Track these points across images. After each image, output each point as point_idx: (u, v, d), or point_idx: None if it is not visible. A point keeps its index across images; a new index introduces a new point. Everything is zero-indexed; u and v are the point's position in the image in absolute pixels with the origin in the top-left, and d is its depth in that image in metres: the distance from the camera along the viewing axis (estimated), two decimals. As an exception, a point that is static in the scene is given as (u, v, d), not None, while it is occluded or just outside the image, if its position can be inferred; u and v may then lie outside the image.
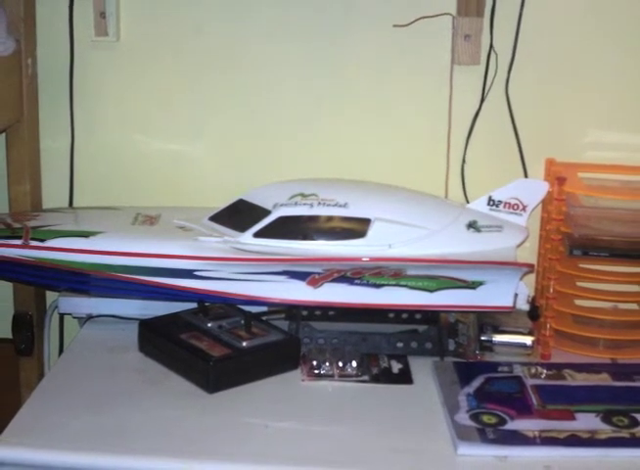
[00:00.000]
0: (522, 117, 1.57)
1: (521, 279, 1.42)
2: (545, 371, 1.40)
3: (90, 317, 1.55)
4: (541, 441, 1.22)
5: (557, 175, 1.46)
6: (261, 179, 1.49)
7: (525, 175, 1.58)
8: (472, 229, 1.42)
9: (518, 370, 1.40)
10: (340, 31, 1.58)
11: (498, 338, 1.46)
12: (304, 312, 1.48)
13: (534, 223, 1.54)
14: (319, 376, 1.38)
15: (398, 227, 1.39)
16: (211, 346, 1.37)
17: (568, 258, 1.46)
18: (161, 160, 1.65)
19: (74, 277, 1.42)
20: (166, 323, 1.44)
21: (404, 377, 1.39)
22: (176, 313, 1.46)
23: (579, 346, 1.48)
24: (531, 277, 1.53)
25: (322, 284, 1.40)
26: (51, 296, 1.64)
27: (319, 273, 1.39)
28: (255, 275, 1.39)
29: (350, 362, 1.40)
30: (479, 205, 1.46)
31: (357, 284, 1.40)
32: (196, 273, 1.39)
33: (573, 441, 1.22)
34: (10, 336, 1.64)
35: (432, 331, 1.46)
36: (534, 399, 1.31)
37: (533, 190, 1.46)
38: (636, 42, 1.55)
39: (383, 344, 1.45)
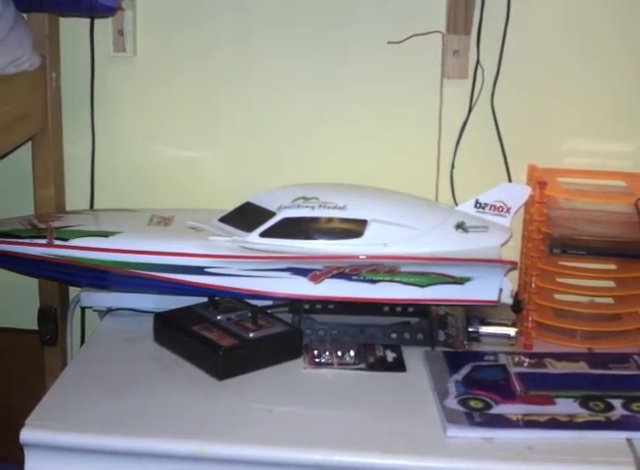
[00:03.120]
0: (506, 126, 1.57)
1: (505, 275, 1.42)
2: (527, 360, 1.40)
3: (109, 310, 1.54)
4: (524, 424, 1.22)
5: (538, 180, 1.46)
6: (267, 183, 1.49)
7: (509, 180, 1.58)
8: (460, 229, 1.42)
9: (502, 359, 1.40)
10: (338, 48, 1.58)
11: (484, 329, 1.46)
12: (306, 306, 1.48)
13: (517, 224, 1.53)
14: (320, 364, 1.38)
15: (393, 228, 1.39)
16: (221, 336, 1.37)
17: (548, 256, 1.46)
18: (175, 166, 1.65)
19: (95, 274, 1.42)
20: (179, 316, 1.44)
21: (398, 365, 1.39)
22: (188, 307, 1.46)
23: (559, 336, 1.48)
24: (515, 274, 1.53)
25: (322, 280, 1.40)
26: (73, 291, 1.65)
27: (320, 270, 1.39)
28: (261, 272, 1.39)
29: (349, 352, 1.40)
30: (466, 207, 1.46)
31: (355, 280, 1.40)
32: (207, 270, 1.39)
33: (554, 424, 1.22)
34: (36, 327, 1.64)
35: (423, 323, 1.46)
36: (517, 386, 1.31)
37: (517, 193, 1.46)
38: (610, 59, 1.54)
39: (378, 335, 1.45)
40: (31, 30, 1.48)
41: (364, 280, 1.40)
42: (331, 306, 1.49)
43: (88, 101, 1.62)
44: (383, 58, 1.57)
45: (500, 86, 1.56)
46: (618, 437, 1.21)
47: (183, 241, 1.40)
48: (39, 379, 1.63)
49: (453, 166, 1.60)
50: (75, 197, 1.66)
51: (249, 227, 1.41)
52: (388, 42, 1.55)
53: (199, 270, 1.39)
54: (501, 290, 1.42)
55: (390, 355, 1.42)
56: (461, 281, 1.40)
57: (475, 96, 1.56)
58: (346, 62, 1.58)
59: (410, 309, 1.49)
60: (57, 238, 1.41)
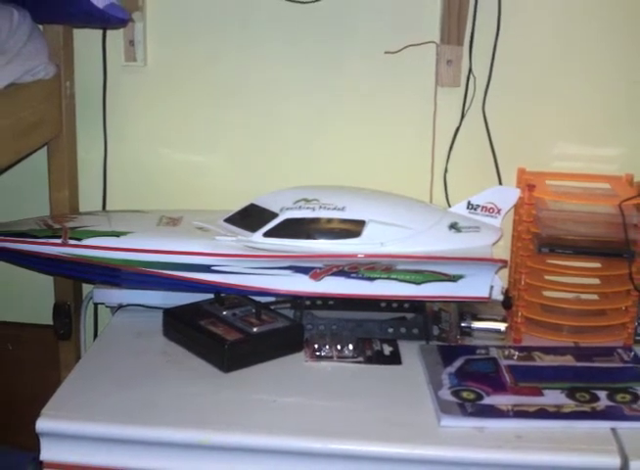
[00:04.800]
0: (496, 131, 1.57)
1: (496, 273, 1.42)
2: (517, 353, 1.40)
3: (121, 306, 1.55)
4: (514, 414, 1.22)
5: (527, 183, 1.46)
6: (270, 186, 1.48)
7: (500, 183, 1.58)
8: (453, 230, 1.42)
9: (493, 352, 1.40)
10: (338, 58, 1.58)
11: (476, 324, 1.47)
12: (307, 302, 1.48)
13: (508, 225, 1.53)
14: (320, 358, 1.38)
15: (389, 228, 1.39)
16: (226, 331, 1.37)
17: (536, 254, 1.46)
18: (183, 169, 1.65)
19: (107, 271, 1.42)
20: (187, 311, 1.44)
21: (394, 358, 1.39)
22: (196, 303, 1.46)
23: (547, 331, 1.48)
24: (505, 271, 1.53)
25: (323, 277, 1.40)
26: (87, 288, 1.65)
27: (320, 268, 1.39)
28: (265, 270, 1.39)
29: (347, 346, 1.40)
30: (459, 208, 1.46)
31: (353, 277, 1.40)
32: (213, 268, 1.39)
33: (542, 414, 1.22)
34: (51, 322, 1.64)
35: (418, 318, 1.46)
36: (508, 378, 1.31)
37: (507, 196, 1.46)
38: (595, 68, 1.54)
39: (375, 329, 1.45)
40: (47, 41, 1.48)
41: (362, 278, 1.40)
42: (331, 303, 1.49)
43: (100, 108, 1.62)
44: (380, 67, 1.57)
45: (491, 94, 1.56)
46: (603, 426, 1.21)
47: (190, 240, 1.40)
48: (54, 371, 1.63)
49: (446, 170, 1.60)
50: (88, 199, 1.66)
51: (253, 227, 1.41)
52: (385, 52, 1.55)
53: (205, 268, 1.39)
54: (492, 287, 1.42)
55: (387, 349, 1.42)
56: (454, 279, 1.40)
57: (467, 103, 1.56)
58: (346, 71, 1.58)
59: (406, 305, 1.49)
60: (71, 238, 1.41)
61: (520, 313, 1.47)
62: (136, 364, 1.36)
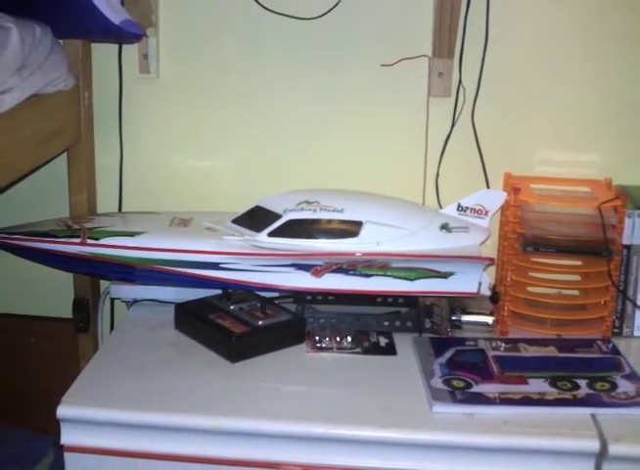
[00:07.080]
0: (484, 139, 1.57)
1: (484, 270, 1.42)
2: (503, 345, 1.40)
3: (135, 301, 1.55)
4: (500, 401, 1.22)
5: (513, 186, 1.46)
6: (273, 189, 1.48)
7: (488, 186, 1.58)
8: (444, 230, 1.42)
9: (481, 344, 1.40)
10: (338, 70, 1.58)
11: (465, 318, 1.46)
12: (309, 297, 1.48)
13: (495, 225, 1.54)
14: (321, 349, 1.38)
15: (385, 228, 1.39)
16: (234, 324, 1.37)
17: (522, 253, 1.46)
18: (193, 174, 1.65)
19: (123, 269, 1.42)
20: (197, 306, 1.44)
21: (389, 349, 1.39)
22: (205, 298, 1.46)
23: (531, 324, 1.48)
24: (493, 269, 1.53)
25: (323, 274, 1.40)
26: (104, 284, 1.65)
27: (321, 266, 1.39)
28: (269, 267, 1.39)
29: (346, 338, 1.40)
30: (450, 210, 1.46)
31: (351, 274, 1.40)
32: (221, 265, 1.39)
33: (526, 401, 1.22)
34: (70, 316, 1.64)
35: (412, 312, 1.46)
36: (495, 368, 1.31)
37: (494, 198, 1.46)
38: (576, 80, 1.55)
39: (372, 322, 1.45)
40: (66, 55, 1.48)
41: (360, 274, 1.40)
42: (330, 298, 1.49)
43: (117, 117, 1.62)
44: (376, 79, 1.57)
45: (479, 104, 1.56)
46: (584, 413, 1.21)
47: (200, 240, 1.40)
48: (73, 362, 1.63)
49: (438, 174, 1.60)
50: (105, 201, 1.66)
51: (258, 228, 1.41)
52: (381, 65, 1.55)
53: (214, 266, 1.39)
54: (480, 283, 1.41)
55: (383, 341, 1.42)
56: (445, 275, 1.40)
57: (457, 112, 1.56)
58: (345, 82, 1.59)
59: (400, 300, 1.49)
60: (89, 237, 1.41)
61: (506, 308, 1.47)
62: (150, 355, 1.36)
